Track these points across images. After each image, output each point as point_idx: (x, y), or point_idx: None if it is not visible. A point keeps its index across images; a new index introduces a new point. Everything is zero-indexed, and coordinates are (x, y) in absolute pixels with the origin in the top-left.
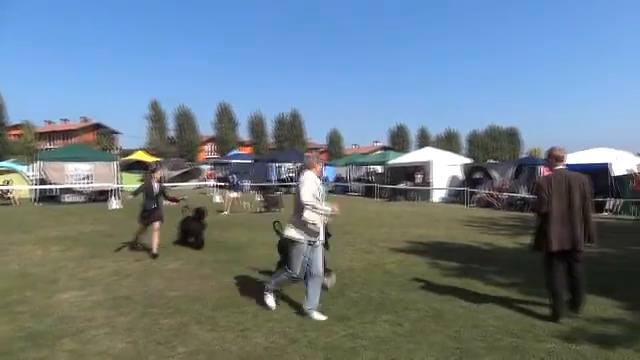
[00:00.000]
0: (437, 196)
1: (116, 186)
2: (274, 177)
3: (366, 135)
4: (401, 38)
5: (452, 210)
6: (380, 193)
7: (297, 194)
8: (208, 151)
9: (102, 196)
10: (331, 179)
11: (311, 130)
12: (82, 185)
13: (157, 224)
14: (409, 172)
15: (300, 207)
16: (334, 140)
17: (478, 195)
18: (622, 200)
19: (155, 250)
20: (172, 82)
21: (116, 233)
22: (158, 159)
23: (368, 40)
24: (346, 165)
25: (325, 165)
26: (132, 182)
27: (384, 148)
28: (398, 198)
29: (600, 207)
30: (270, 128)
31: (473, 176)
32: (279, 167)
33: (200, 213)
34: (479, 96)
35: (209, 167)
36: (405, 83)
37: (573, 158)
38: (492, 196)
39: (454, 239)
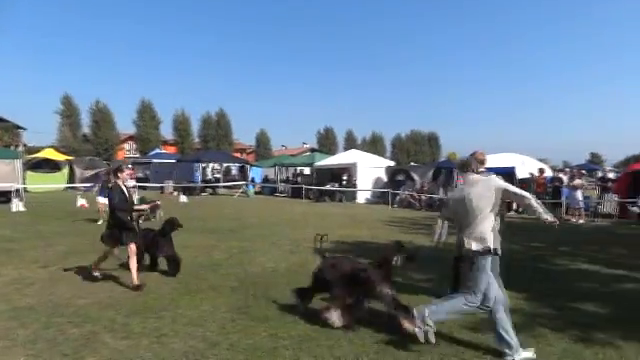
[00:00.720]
0: (362, 197)
1: (19, 186)
2: (199, 178)
3: (295, 137)
4: (328, 39)
5: (376, 211)
6: (307, 194)
7: (477, 197)
8: (128, 150)
9: (2, 197)
10: (258, 180)
11: (239, 130)
12: None
13: (133, 246)
14: (335, 174)
15: (486, 211)
16: (262, 141)
17: (400, 196)
18: None
19: (137, 281)
20: (87, 77)
21: (18, 238)
22: (69, 157)
23: (294, 40)
24: (274, 166)
25: (252, 166)
26: (39, 182)
27: (312, 150)
28: (324, 199)
29: (507, 207)
30: (196, 127)
31: (396, 178)
32: (204, 167)
33: (171, 225)
34: (403, 101)
35: (128, 167)
36: (333, 86)
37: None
38: (413, 197)
39: (377, 238)
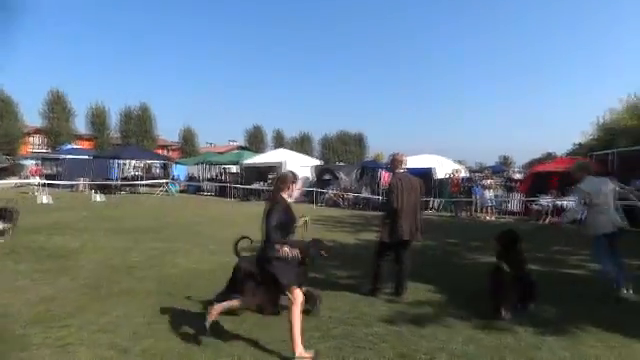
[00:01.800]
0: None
1: None
2: (117, 175)
3: (222, 134)
4: (256, 38)
5: (302, 210)
6: (234, 193)
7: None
8: (35, 144)
9: None
10: (183, 178)
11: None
12: None
13: (298, 292)
14: (263, 172)
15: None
16: (187, 138)
17: (326, 195)
18: (442, 200)
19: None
20: None
21: None
22: None
23: (222, 37)
24: (199, 164)
25: (175, 164)
26: None
27: (240, 148)
28: (251, 198)
29: (425, 206)
30: (115, 121)
31: (323, 177)
32: (123, 164)
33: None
34: (332, 102)
35: (34, 163)
36: (263, 84)
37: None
38: (338, 196)
39: (301, 237)
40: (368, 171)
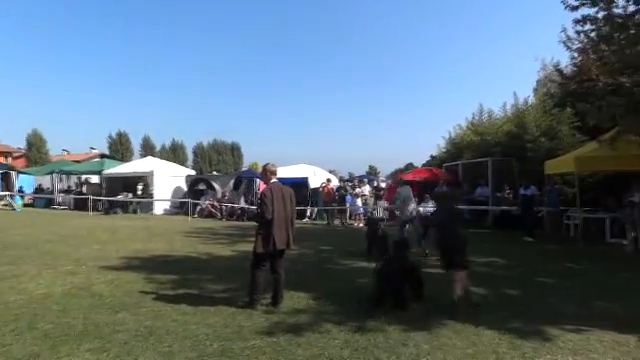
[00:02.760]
0: (160, 208)
1: None
2: None
3: (80, 141)
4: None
5: (175, 222)
6: (95, 206)
7: None
8: None
9: None
10: (29, 190)
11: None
12: None
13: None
14: (130, 183)
15: None
16: (35, 143)
17: (201, 206)
18: (317, 208)
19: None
20: None
21: None
22: None
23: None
24: (50, 173)
25: (19, 173)
26: None
27: (102, 156)
28: (116, 211)
29: (302, 214)
30: None
31: (196, 187)
32: None
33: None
34: (207, 110)
35: None
36: (131, 87)
37: (283, 172)
38: (214, 207)
39: (174, 251)
40: (245, 180)
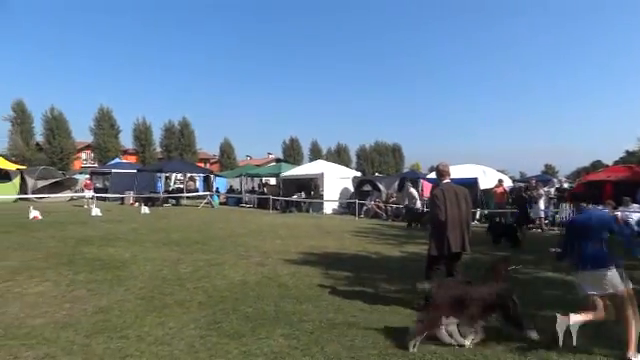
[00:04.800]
0: (329, 208)
1: None
2: (161, 188)
3: (259, 147)
4: (291, 52)
5: (343, 221)
6: (274, 205)
7: None
8: (85, 159)
9: None
10: (223, 190)
11: (202, 140)
12: None
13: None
14: (302, 184)
15: None
16: (226, 151)
17: (367, 206)
18: (488, 211)
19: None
20: (41, 83)
21: None
22: (21, 167)
23: (259, 51)
24: (239, 176)
25: (216, 176)
26: None
27: (277, 160)
28: (291, 210)
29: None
30: (158, 136)
31: (362, 188)
32: (167, 178)
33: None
34: (367, 113)
35: (86, 177)
36: (298, 96)
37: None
38: (379, 207)
39: (345, 249)
40: (408, 182)
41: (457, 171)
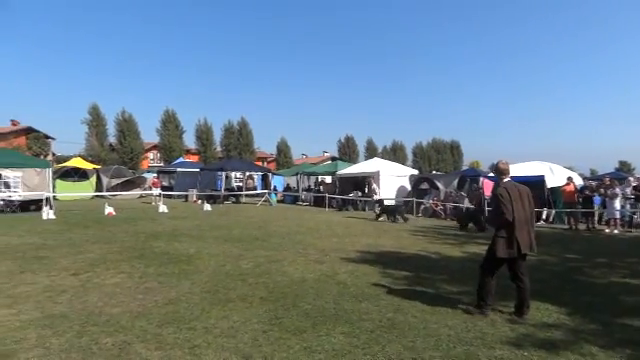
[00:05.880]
0: None
1: (50, 195)
2: (222, 186)
3: (314, 145)
4: (347, 51)
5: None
6: (330, 203)
7: None
8: (152, 159)
9: (33, 205)
10: (280, 189)
11: (259, 139)
12: (11, 194)
13: None
14: (358, 182)
15: None
16: (283, 150)
17: (425, 205)
18: (555, 210)
19: None
20: (112, 86)
21: (50, 245)
22: (97, 166)
23: (315, 50)
24: (296, 175)
25: (274, 175)
26: (67, 190)
27: (333, 158)
28: (347, 208)
29: (537, 217)
30: (218, 136)
31: (419, 187)
32: (227, 176)
33: None
34: (423, 110)
35: (153, 175)
36: (352, 95)
37: (513, 170)
38: (438, 206)
39: (403, 248)
40: (468, 180)
41: (522, 169)
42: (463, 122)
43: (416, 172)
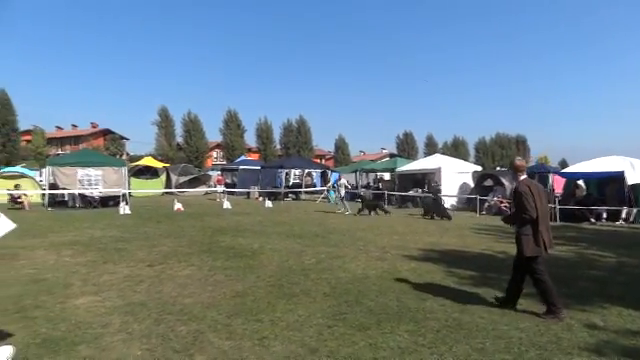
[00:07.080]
0: (447, 203)
1: (126, 191)
2: (282, 183)
3: (372, 142)
4: (405, 45)
5: (463, 218)
6: (389, 200)
7: None
8: (215, 157)
9: (111, 201)
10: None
11: (317, 136)
12: (92, 190)
13: None
14: (418, 179)
15: None
16: (340, 147)
17: (489, 203)
18: (636, 209)
19: None
20: (179, 88)
21: (127, 238)
22: (166, 165)
23: (373, 47)
24: (354, 172)
25: (332, 172)
26: (140, 187)
27: (391, 155)
28: (407, 205)
29: (615, 216)
30: (277, 134)
31: (483, 184)
32: (287, 173)
33: None
34: (485, 104)
35: (217, 173)
36: (411, 91)
37: (588, 166)
38: (503, 203)
39: (467, 247)
40: (536, 176)
41: (599, 164)
42: (529, 116)
43: (479, 168)
